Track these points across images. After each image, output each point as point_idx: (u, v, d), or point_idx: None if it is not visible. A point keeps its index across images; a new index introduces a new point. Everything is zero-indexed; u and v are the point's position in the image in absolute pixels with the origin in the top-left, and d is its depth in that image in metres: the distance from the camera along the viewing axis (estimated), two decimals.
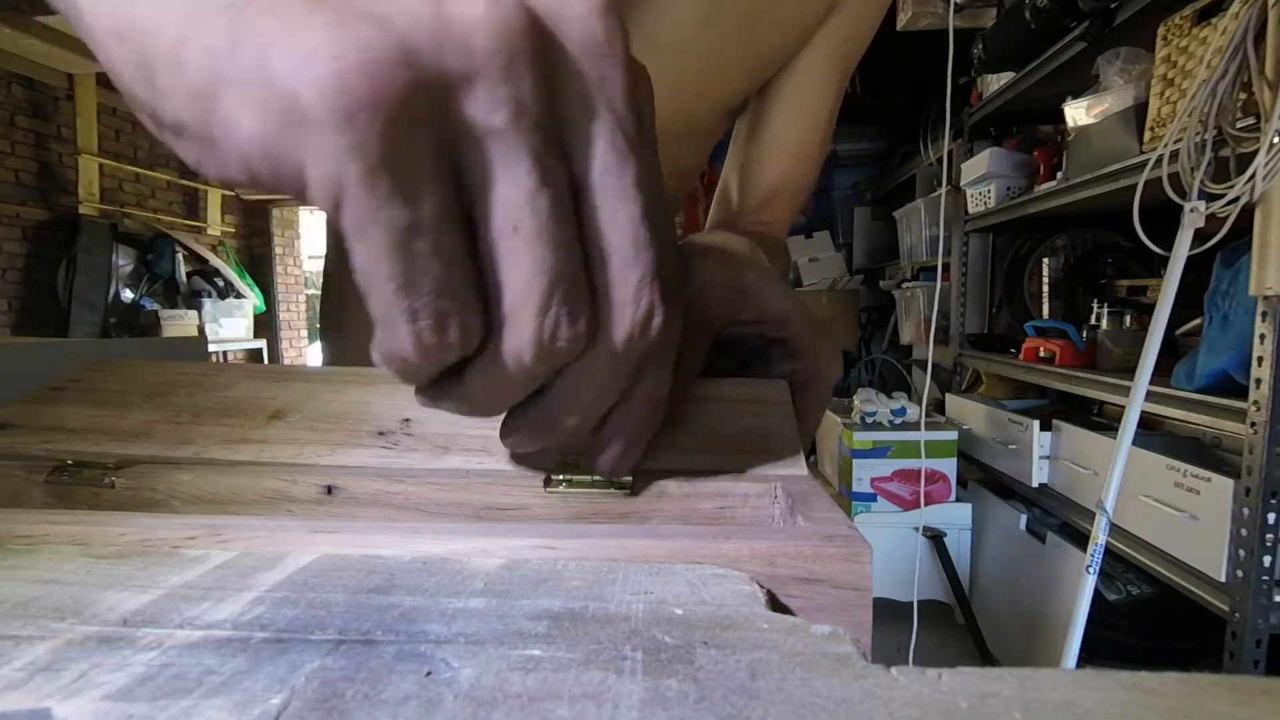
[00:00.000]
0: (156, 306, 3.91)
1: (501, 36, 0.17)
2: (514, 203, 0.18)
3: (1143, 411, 1.18)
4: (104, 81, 3.65)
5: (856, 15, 0.51)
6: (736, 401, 0.33)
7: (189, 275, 4.19)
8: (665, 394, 0.25)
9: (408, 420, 0.32)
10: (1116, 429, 1.20)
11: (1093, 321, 1.67)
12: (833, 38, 0.52)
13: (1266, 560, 1.05)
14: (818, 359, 0.38)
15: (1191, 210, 1.11)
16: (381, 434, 0.31)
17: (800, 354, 0.38)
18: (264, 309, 4.75)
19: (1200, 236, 1.14)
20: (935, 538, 1.87)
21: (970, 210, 2.11)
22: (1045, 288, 2.07)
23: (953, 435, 1.89)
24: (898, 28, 2.30)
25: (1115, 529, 1.25)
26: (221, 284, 4.31)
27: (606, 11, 0.19)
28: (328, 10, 0.17)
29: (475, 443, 0.31)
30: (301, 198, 0.18)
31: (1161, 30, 1.27)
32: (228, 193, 4.67)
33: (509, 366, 0.20)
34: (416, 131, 0.17)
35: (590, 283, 0.20)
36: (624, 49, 0.20)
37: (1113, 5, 1.45)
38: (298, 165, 0.17)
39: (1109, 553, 1.22)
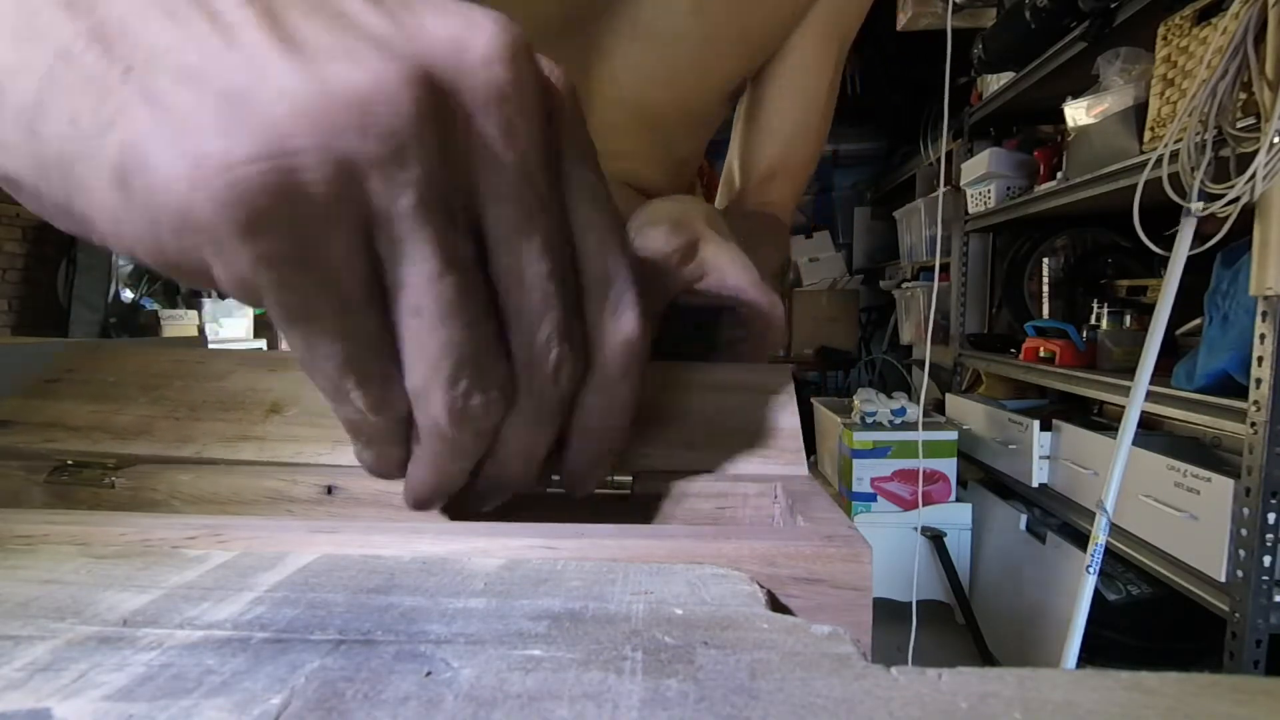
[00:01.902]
0: (156, 306, 3.90)
1: (392, 117, 0.16)
2: (417, 287, 0.17)
3: (1143, 411, 1.18)
4: None
5: None
6: (738, 390, 0.33)
7: None
8: (627, 405, 0.23)
9: None
10: (1116, 429, 1.20)
11: (1093, 321, 1.67)
12: (825, 15, 0.52)
13: (1266, 560, 1.05)
14: (767, 327, 0.39)
15: (1191, 211, 1.11)
16: None
17: (750, 322, 0.39)
18: (264, 309, 4.75)
19: (1200, 236, 1.14)
20: (935, 538, 1.87)
21: (970, 210, 2.11)
22: (1045, 288, 2.07)
23: (953, 435, 1.89)
24: (897, 28, 2.30)
25: (1115, 529, 1.25)
26: None
27: (509, 60, 0.17)
28: (203, 92, 0.15)
29: None
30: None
31: (1161, 30, 1.27)
32: None
33: (435, 440, 0.20)
34: (327, 225, 0.16)
35: (505, 342, 0.19)
36: (531, 92, 0.18)
37: (1113, 5, 1.45)
38: (198, 265, 0.16)
39: (1109, 553, 1.22)
